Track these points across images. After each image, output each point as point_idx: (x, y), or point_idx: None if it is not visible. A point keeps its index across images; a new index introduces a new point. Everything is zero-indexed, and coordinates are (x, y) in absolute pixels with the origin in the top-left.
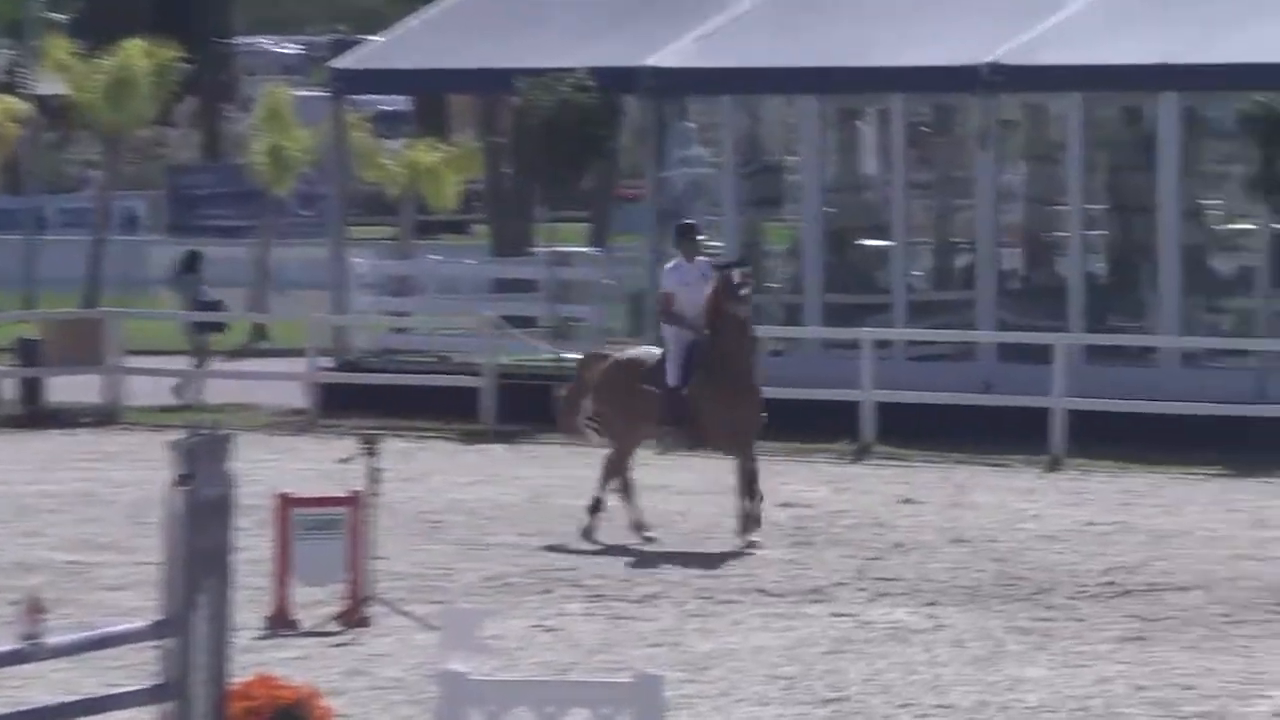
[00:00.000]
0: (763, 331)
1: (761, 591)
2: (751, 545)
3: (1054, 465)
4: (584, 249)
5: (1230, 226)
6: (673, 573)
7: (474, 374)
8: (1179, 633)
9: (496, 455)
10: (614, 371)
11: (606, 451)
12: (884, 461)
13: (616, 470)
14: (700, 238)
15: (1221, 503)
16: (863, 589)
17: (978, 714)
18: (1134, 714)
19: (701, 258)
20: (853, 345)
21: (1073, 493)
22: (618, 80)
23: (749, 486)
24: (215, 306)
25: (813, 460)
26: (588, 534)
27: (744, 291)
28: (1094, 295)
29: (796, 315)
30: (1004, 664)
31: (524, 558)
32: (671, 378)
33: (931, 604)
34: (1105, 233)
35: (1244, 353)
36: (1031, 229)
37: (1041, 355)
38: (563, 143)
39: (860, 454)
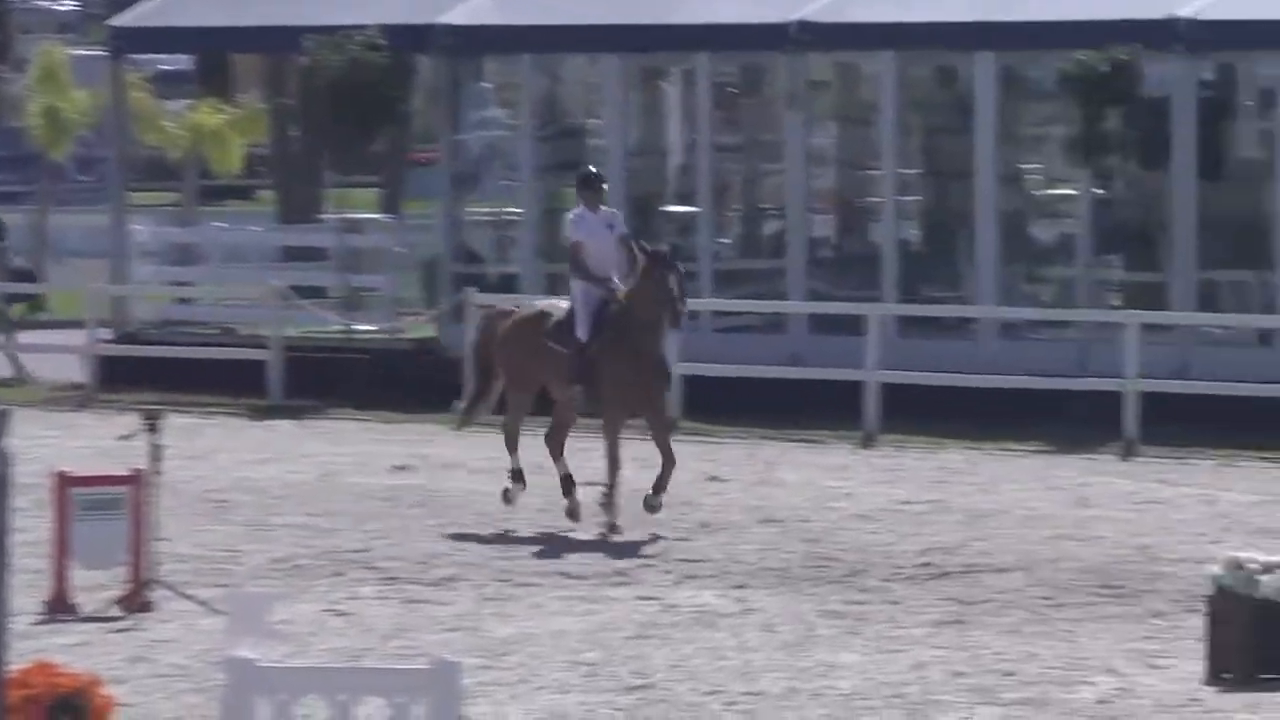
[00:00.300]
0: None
1: (563, 574)
2: (614, 530)
3: (867, 441)
4: (375, 215)
5: (1050, 192)
6: (470, 554)
7: (260, 347)
8: (998, 616)
9: (284, 431)
10: (519, 328)
11: (505, 419)
12: (689, 437)
13: (514, 434)
14: (605, 186)
15: (1042, 480)
16: (668, 571)
17: (788, 701)
18: (951, 701)
19: (605, 208)
20: None
21: (887, 470)
22: (410, 39)
23: (664, 471)
24: (27, 274)
25: None
26: (507, 498)
27: (678, 294)
28: (908, 264)
29: None
30: (815, 649)
31: (314, 539)
32: (581, 333)
33: (740, 586)
34: (920, 198)
35: (1065, 324)
36: (843, 194)
37: (854, 326)
38: (352, 104)
39: None
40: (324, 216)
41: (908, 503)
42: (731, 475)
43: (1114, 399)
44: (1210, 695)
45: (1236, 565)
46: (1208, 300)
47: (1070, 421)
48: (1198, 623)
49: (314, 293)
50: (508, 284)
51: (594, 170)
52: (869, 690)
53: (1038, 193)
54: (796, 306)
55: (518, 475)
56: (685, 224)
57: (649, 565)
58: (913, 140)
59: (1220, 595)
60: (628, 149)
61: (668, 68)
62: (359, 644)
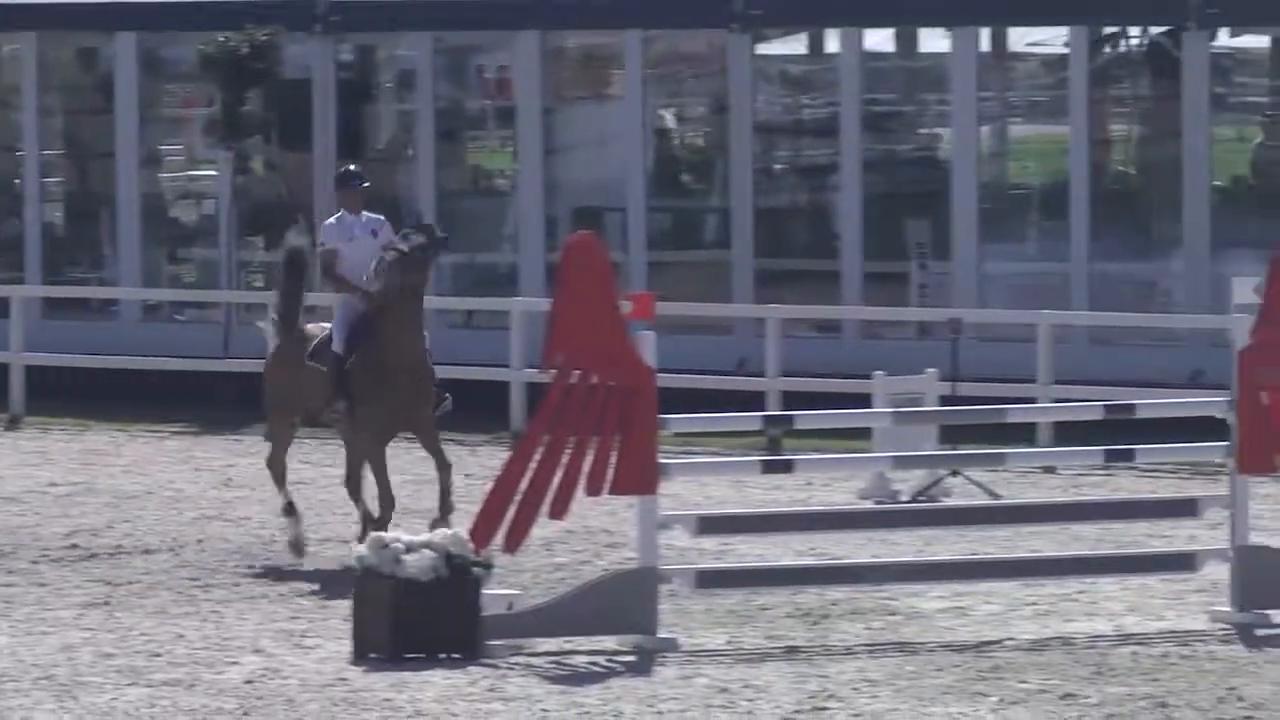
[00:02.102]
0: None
1: None
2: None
3: (13, 424)
4: None
5: (192, 174)
6: None
7: None
8: (145, 597)
9: None
10: (279, 356)
11: (269, 452)
12: None
13: (280, 466)
14: (365, 185)
15: (187, 461)
16: None
17: None
18: (99, 683)
19: (369, 214)
20: None
21: (33, 452)
22: None
23: (443, 498)
24: None
25: None
26: (295, 547)
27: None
28: (52, 246)
29: None
30: None
31: None
32: (337, 345)
33: None
34: (63, 180)
35: (209, 305)
36: None
37: None
38: None
39: None
40: None
41: (54, 484)
42: None
43: (256, 380)
44: (357, 675)
45: (381, 545)
46: None
47: (217, 403)
48: (345, 603)
49: None
50: None
51: (352, 168)
52: (18, 672)
53: (178, 175)
54: None
55: (289, 509)
56: None
57: None
58: (55, 122)
59: (365, 575)
60: None
61: None
62: None
